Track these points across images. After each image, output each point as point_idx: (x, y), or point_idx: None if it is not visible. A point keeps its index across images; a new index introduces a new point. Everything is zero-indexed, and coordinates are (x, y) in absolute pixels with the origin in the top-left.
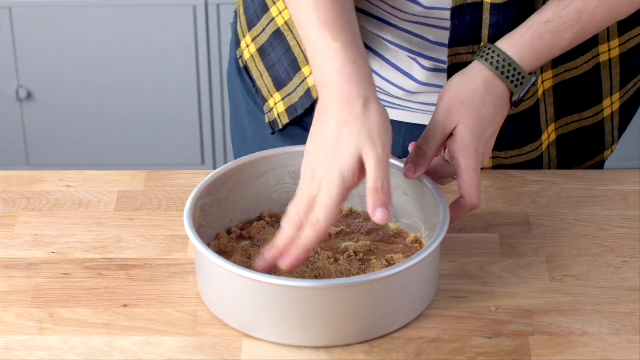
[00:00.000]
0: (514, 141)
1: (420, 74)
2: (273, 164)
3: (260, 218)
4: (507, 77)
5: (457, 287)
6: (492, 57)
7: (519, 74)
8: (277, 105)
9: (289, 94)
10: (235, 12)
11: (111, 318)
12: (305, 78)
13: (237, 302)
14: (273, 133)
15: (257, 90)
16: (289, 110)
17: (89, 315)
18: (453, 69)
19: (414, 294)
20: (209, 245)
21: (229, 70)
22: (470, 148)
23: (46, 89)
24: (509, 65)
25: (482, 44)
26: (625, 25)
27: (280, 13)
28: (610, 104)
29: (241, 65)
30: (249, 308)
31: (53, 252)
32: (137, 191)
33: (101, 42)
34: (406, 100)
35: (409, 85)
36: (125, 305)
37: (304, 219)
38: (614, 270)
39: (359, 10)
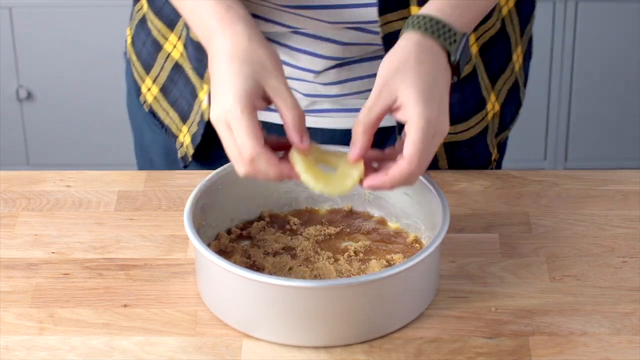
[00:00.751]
0: (463, 113)
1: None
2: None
3: (260, 218)
4: (439, 36)
5: (457, 287)
6: (419, 22)
7: (449, 30)
8: (185, 138)
9: (191, 124)
10: (127, 60)
11: (111, 318)
12: (201, 102)
13: (237, 302)
14: (185, 167)
15: (167, 130)
16: (192, 139)
17: (89, 315)
18: (387, 40)
19: (414, 294)
20: (209, 245)
21: (132, 113)
22: (418, 104)
23: (46, 89)
24: (437, 23)
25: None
26: None
27: (174, 46)
28: (517, 58)
29: (146, 110)
30: (249, 308)
31: (53, 252)
32: (137, 191)
33: (101, 42)
34: (314, 83)
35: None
36: (125, 305)
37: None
38: (614, 270)
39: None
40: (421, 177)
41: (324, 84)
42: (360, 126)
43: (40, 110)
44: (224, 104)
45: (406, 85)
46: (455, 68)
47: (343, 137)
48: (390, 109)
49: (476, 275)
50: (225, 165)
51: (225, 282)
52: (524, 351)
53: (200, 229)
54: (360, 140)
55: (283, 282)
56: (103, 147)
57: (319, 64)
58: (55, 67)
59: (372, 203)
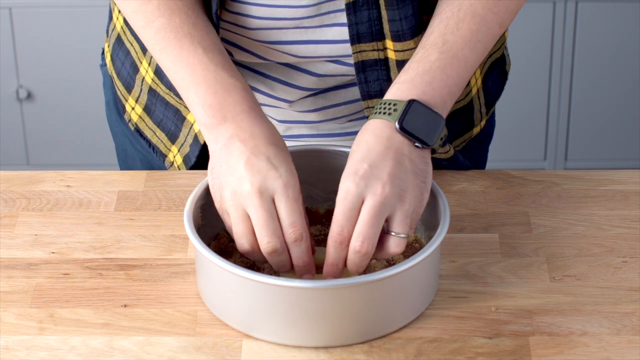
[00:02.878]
0: None
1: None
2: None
3: None
4: (377, 113)
5: (457, 287)
6: (375, 109)
7: (387, 104)
8: (176, 158)
9: (182, 145)
10: (109, 77)
11: (111, 318)
12: (192, 125)
13: (237, 302)
14: None
15: (155, 149)
16: (185, 160)
17: (89, 315)
18: (359, 67)
19: (414, 294)
20: (209, 245)
21: (113, 126)
22: (342, 180)
23: (46, 89)
24: (377, 106)
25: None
26: None
27: (146, 71)
28: (475, 81)
29: (132, 129)
30: (249, 308)
31: (53, 252)
32: (137, 191)
33: (101, 43)
34: (290, 110)
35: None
36: (125, 305)
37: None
38: (614, 270)
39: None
40: None
41: (300, 112)
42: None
43: (40, 110)
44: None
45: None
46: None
47: None
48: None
49: (476, 275)
50: None
51: (225, 282)
52: (524, 351)
53: (200, 229)
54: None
55: (283, 282)
56: (103, 147)
57: (293, 94)
58: (55, 67)
59: None
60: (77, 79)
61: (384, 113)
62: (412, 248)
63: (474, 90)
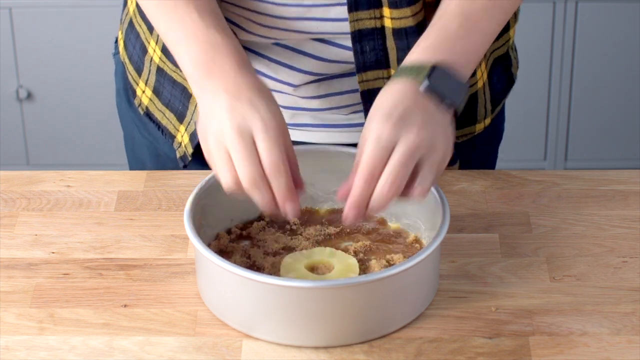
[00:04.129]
0: None
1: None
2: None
3: (260, 218)
4: (401, 76)
5: (457, 287)
6: (399, 72)
7: (411, 68)
8: (183, 137)
9: (189, 123)
10: (122, 63)
11: (111, 318)
12: (196, 103)
13: (237, 302)
14: (185, 166)
15: (164, 131)
16: (191, 138)
17: (89, 315)
18: (356, 36)
19: (414, 294)
20: (209, 245)
21: (122, 115)
22: (368, 122)
23: (46, 89)
24: (401, 69)
25: (391, 70)
26: None
27: (154, 51)
28: (481, 75)
29: (142, 113)
30: (249, 308)
31: (53, 252)
32: (137, 191)
33: (101, 42)
34: (294, 96)
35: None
36: (125, 305)
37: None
38: (614, 270)
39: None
40: None
41: (304, 98)
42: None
43: (40, 110)
44: (254, 110)
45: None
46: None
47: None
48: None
49: (476, 275)
50: None
51: (225, 282)
52: (524, 351)
53: (200, 229)
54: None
55: (283, 282)
56: (103, 147)
57: (297, 78)
58: (55, 67)
59: None
60: (77, 78)
61: (408, 76)
62: (412, 248)
63: (480, 84)
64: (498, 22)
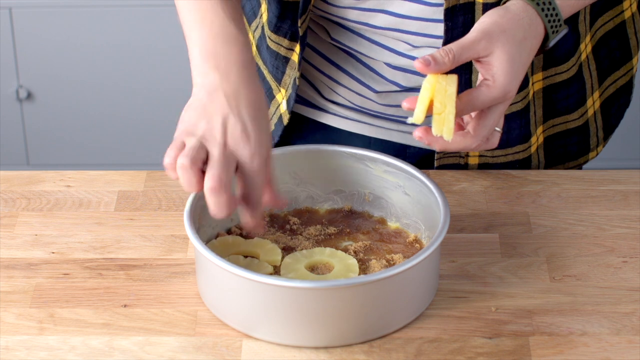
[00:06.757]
0: (504, 141)
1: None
2: (273, 164)
3: None
4: (549, 20)
5: (457, 287)
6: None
7: (558, 17)
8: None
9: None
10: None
11: (111, 318)
12: (278, 105)
13: (237, 302)
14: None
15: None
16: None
17: (89, 315)
18: (448, 13)
19: (414, 294)
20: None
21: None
22: (505, 75)
23: (46, 89)
24: (550, 3)
25: None
26: (594, 15)
27: (252, 40)
28: (592, 103)
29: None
30: (249, 308)
31: (53, 252)
32: (137, 191)
33: (101, 42)
34: (372, 102)
35: (373, 84)
36: (125, 305)
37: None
38: (614, 270)
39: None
40: (421, 177)
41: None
42: (448, 54)
43: (40, 110)
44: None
45: (505, 51)
46: (543, 50)
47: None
48: (478, 58)
49: (476, 275)
50: None
51: (225, 282)
52: (524, 351)
53: (200, 229)
54: (442, 62)
55: (283, 282)
56: (103, 147)
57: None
58: (55, 67)
59: (372, 203)
60: (77, 78)
61: (550, 23)
62: (412, 248)
63: (590, 112)
64: None
